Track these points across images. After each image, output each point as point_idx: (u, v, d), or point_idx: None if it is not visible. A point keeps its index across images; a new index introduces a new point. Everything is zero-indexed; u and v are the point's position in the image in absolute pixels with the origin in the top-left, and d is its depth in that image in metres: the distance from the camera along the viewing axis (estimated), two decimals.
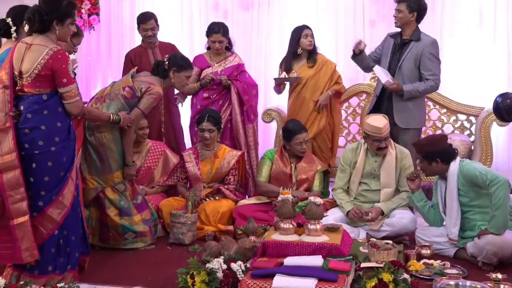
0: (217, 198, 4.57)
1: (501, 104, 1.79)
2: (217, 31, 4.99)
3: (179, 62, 4.22)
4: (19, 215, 3.18)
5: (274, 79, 5.10)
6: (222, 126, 4.86)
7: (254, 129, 5.17)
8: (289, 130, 4.62)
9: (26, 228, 3.18)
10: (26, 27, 3.32)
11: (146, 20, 5.13)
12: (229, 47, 5.15)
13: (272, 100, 6.01)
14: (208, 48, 5.18)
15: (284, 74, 5.02)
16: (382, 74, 4.55)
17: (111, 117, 3.84)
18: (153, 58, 5.13)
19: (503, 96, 1.78)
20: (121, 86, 4.08)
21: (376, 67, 4.58)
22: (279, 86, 5.15)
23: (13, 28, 3.49)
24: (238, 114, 5.07)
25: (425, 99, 5.43)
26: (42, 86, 3.23)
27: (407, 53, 4.58)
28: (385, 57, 4.73)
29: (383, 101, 4.71)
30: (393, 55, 4.67)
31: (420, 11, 4.58)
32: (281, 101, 5.55)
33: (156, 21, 5.18)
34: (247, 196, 4.95)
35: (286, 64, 5.05)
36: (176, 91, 5.42)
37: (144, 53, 5.20)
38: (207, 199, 4.54)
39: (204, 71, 5.08)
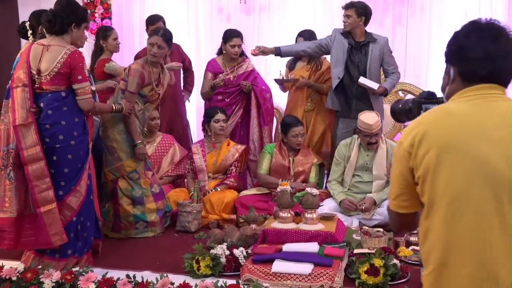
0: (218, 189, 4.56)
1: (395, 107, 1.98)
2: (237, 35, 4.91)
3: None
4: (46, 203, 3.20)
5: (274, 80, 5.11)
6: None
7: (270, 131, 5.14)
8: (286, 124, 4.63)
9: (54, 215, 3.21)
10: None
11: (154, 22, 5.10)
12: (242, 53, 5.06)
13: (273, 99, 6.00)
14: (220, 53, 5.08)
15: (282, 76, 5.06)
16: (370, 82, 4.56)
17: (114, 107, 3.81)
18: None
19: (397, 102, 1.97)
20: (117, 82, 4.12)
21: (362, 78, 4.56)
22: (281, 85, 5.20)
23: (30, 32, 3.54)
24: (255, 117, 5.02)
25: (413, 97, 5.43)
26: (60, 84, 3.25)
27: (371, 54, 4.62)
28: (339, 54, 4.66)
29: (351, 99, 4.70)
30: (349, 55, 4.65)
31: (366, 15, 4.63)
32: (280, 100, 5.56)
33: (164, 23, 5.15)
34: (248, 186, 4.96)
35: (290, 64, 5.18)
36: (181, 87, 5.41)
37: None
38: (213, 190, 4.55)
39: (218, 77, 4.99)
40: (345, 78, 4.67)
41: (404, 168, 1.62)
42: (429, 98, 1.88)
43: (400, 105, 1.96)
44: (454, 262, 1.52)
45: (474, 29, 1.62)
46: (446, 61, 1.69)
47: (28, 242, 3.31)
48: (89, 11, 6.34)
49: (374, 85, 4.54)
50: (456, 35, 1.65)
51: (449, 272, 1.54)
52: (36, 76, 3.25)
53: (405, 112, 1.93)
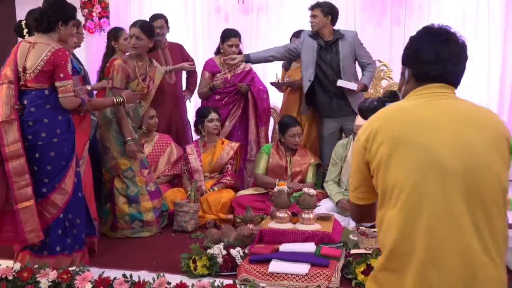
0: (215, 188, 4.57)
1: (362, 106, 2.12)
2: (235, 35, 4.93)
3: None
4: (24, 200, 3.19)
5: (270, 83, 5.15)
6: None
7: (266, 131, 5.16)
8: (284, 124, 4.64)
9: (31, 212, 3.19)
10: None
11: (156, 19, 5.10)
12: (240, 53, 5.03)
13: (270, 99, 6.01)
14: (217, 53, 5.09)
15: (278, 79, 5.12)
16: (348, 83, 4.57)
17: (115, 100, 3.80)
18: (163, 58, 5.10)
19: (364, 100, 2.12)
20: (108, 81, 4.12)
21: (339, 81, 4.58)
22: (278, 88, 5.24)
23: (25, 30, 3.55)
24: (253, 118, 5.04)
25: None
26: (43, 81, 3.25)
27: (342, 51, 4.64)
28: (309, 56, 4.68)
29: (331, 99, 4.71)
30: (321, 56, 4.67)
31: (333, 14, 4.64)
32: (277, 100, 5.57)
33: (166, 22, 5.14)
34: (246, 186, 4.96)
35: (286, 65, 5.22)
36: (184, 87, 5.39)
37: (154, 53, 5.12)
38: (210, 190, 4.55)
39: (216, 77, 5.01)
40: (321, 79, 4.69)
41: (361, 162, 1.73)
42: (391, 97, 2.00)
43: (367, 104, 2.07)
44: (404, 249, 1.60)
45: (427, 34, 1.74)
46: (402, 63, 1.82)
47: (8, 238, 3.31)
48: (87, 10, 6.35)
49: (353, 86, 4.55)
50: (412, 39, 1.78)
51: (399, 258, 1.62)
52: (22, 74, 3.26)
53: (371, 110, 2.02)
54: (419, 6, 5.93)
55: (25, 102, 3.26)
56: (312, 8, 4.65)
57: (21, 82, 3.27)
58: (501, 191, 1.61)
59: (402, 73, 1.81)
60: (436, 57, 1.69)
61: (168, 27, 5.16)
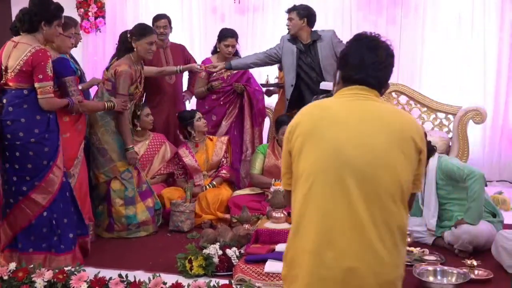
0: (214, 183, 4.57)
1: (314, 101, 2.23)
2: (232, 35, 4.93)
3: (137, 30, 4.08)
4: None
5: (260, 84, 5.15)
6: None
7: (260, 132, 5.16)
8: (278, 122, 4.64)
9: None
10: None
11: (160, 19, 5.08)
12: (236, 53, 5.07)
13: (266, 99, 6.02)
14: (214, 53, 5.09)
15: (267, 81, 5.15)
16: (330, 84, 4.53)
17: (106, 105, 3.80)
18: (165, 58, 5.08)
19: (317, 97, 2.28)
20: (101, 82, 4.09)
21: (322, 84, 4.55)
22: (268, 90, 5.26)
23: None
24: (249, 118, 5.04)
25: (407, 98, 5.45)
26: (22, 81, 3.25)
27: (321, 53, 4.62)
28: (289, 60, 4.69)
29: (320, 99, 4.70)
30: (301, 59, 4.66)
31: (309, 16, 4.63)
32: (274, 100, 5.57)
33: (169, 22, 5.12)
34: (241, 186, 4.96)
35: (281, 66, 5.15)
36: (184, 88, 5.38)
37: (156, 53, 5.03)
38: (209, 185, 4.56)
39: (212, 76, 4.99)
40: (306, 81, 4.68)
41: (286, 151, 1.91)
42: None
43: (321, 97, 2.21)
44: (304, 230, 1.77)
45: (357, 40, 1.91)
46: (336, 67, 2.00)
47: None
48: (83, 9, 6.33)
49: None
50: (345, 44, 1.95)
51: (300, 237, 1.79)
52: (4, 73, 3.27)
53: None
54: (415, 6, 5.94)
55: (4, 101, 3.26)
56: (288, 11, 4.66)
57: (2, 81, 3.28)
58: (399, 186, 1.74)
59: (334, 75, 1.97)
60: (360, 62, 1.85)
61: (171, 27, 5.15)
